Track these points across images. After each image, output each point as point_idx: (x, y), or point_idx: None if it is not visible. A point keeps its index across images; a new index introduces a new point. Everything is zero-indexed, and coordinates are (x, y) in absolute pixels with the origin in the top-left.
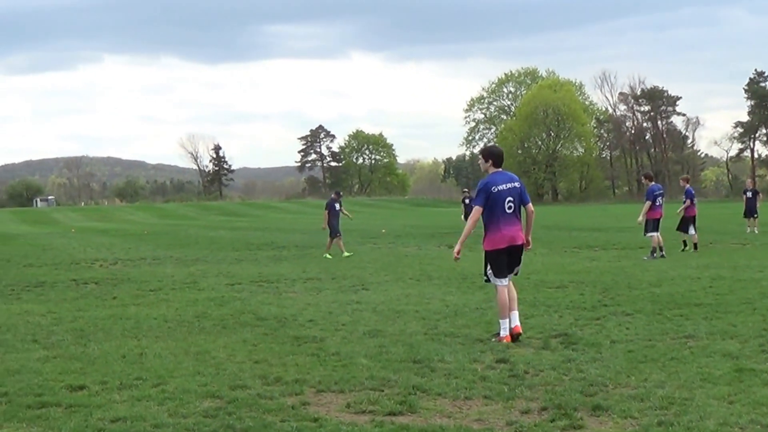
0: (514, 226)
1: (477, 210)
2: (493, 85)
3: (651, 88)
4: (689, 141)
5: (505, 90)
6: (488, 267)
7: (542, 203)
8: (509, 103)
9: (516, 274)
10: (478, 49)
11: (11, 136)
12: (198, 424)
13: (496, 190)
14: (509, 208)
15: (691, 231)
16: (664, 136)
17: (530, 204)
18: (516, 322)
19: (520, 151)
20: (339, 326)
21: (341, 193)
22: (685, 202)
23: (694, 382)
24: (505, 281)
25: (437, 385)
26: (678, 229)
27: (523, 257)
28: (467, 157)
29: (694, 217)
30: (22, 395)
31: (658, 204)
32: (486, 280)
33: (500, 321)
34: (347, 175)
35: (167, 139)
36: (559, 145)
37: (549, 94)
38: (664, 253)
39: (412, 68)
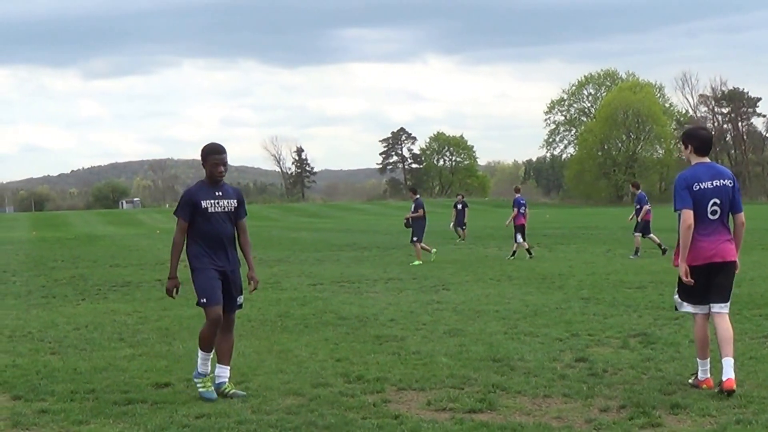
0: (720, 237)
1: (687, 214)
2: (573, 87)
3: (731, 89)
4: None
5: (585, 92)
6: (677, 288)
7: (621, 204)
8: (589, 105)
9: (725, 301)
10: (552, 51)
11: (96, 139)
12: (281, 420)
13: (699, 187)
14: (714, 212)
15: (519, 239)
16: (745, 137)
17: (742, 213)
18: (729, 373)
19: (600, 153)
20: (420, 325)
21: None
22: (513, 211)
23: None
24: (700, 309)
25: (517, 383)
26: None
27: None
28: (547, 159)
29: (522, 225)
30: (109, 392)
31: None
32: (675, 308)
33: (697, 360)
34: (428, 177)
35: (249, 142)
36: (639, 147)
37: (629, 95)
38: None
39: (487, 71)
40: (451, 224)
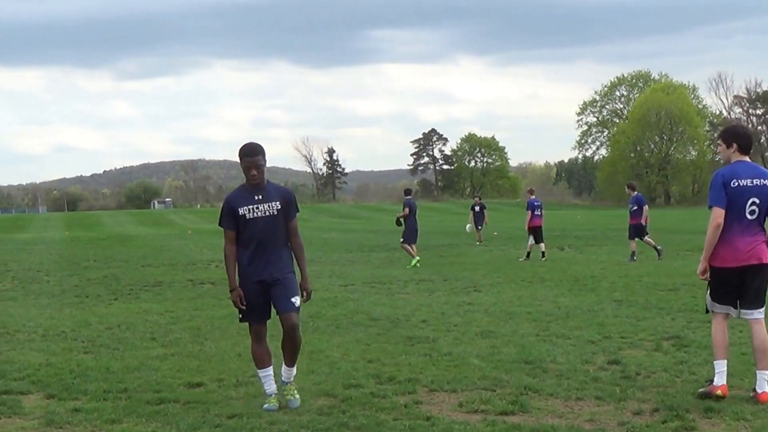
0: (756, 238)
1: (717, 212)
2: (605, 89)
3: (766, 90)
4: None
5: (617, 93)
6: (709, 289)
7: (654, 206)
8: (622, 106)
9: (761, 306)
10: (584, 52)
11: (128, 139)
12: (312, 421)
13: (737, 184)
14: (752, 212)
15: (531, 240)
16: None
17: None
18: (764, 387)
19: (632, 155)
20: (451, 327)
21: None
22: (528, 214)
23: None
24: (724, 308)
25: (549, 385)
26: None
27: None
28: (579, 160)
29: (537, 227)
30: (142, 391)
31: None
32: (706, 309)
33: (714, 363)
34: (459, 178)
35: (280, 143)
36: (672, 149)
37: (662, 97)
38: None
39: (519, 72)
40: (468, 226)
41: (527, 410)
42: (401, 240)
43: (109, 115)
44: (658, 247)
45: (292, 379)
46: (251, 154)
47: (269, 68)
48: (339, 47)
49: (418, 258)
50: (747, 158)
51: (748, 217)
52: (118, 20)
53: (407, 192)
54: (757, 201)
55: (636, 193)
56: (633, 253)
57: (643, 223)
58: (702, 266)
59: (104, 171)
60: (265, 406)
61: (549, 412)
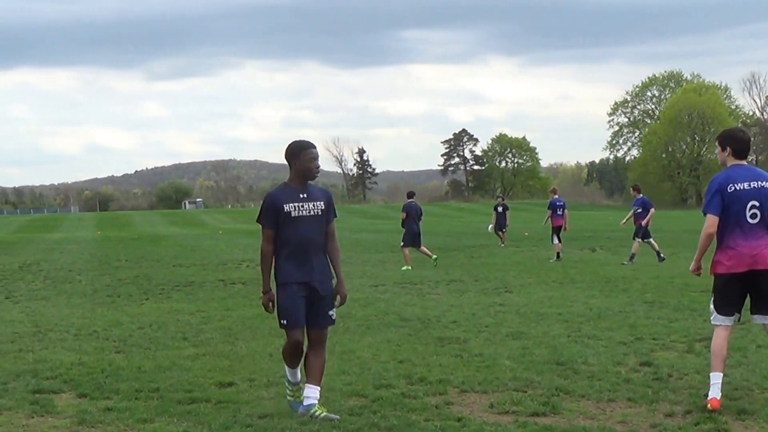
0: (761, 242)
1: (711, 219)
2: (637, 89)
3: None
4: None
5: (648, 94)
6: (713, 297)
7: (686, 207)
8: (653, 107)
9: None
10: (615, 53)
11: (159, 140)
12: (343, 422)
13: (734, 189)
14: (753, 216)
15: (555, 241)
16: None
17: None
18: None
19: (664, 155)
20: (482, 328)
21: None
22: (548, 213)
23: None
24: (727, 320)
25: (580, 386)
26: (552, 241)
27: None
28: (611, 161)
29: (559, 227)
30: (173, 391)
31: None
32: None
33: (710, 375)
34: (490, 178)
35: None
36: (704, 149)
37: (694, 97)
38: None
39: (549, 72)
40: (490, 227)
41: (559, 411)
42: (401, 243)
43: (140, 116)
44: (634, 255)
45: (316, 401)
46: (313, 146)
47: (299, 69)
48: (369, 48)
49: (408, 267)
50: (743, 162)
51: (750, 221)
52: (149, 21)
53: (409, 195)
54: (758, 204)
55: (641, 195)
56: (658, 253)
57: (642, 225)
58: (694, 265)
59: (136, 171)
60: (289, 399)
61: (580, 413)
